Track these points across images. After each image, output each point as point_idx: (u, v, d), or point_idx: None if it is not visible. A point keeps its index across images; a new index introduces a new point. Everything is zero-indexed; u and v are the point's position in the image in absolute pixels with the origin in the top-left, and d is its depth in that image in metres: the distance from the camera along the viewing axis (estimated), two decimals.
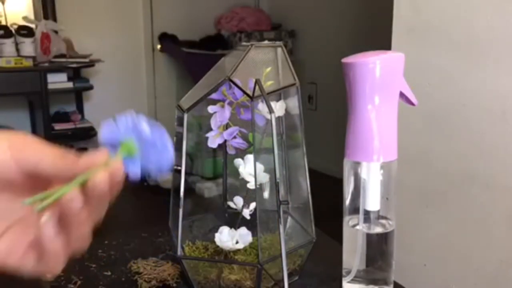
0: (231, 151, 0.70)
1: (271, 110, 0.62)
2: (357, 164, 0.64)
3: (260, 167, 0.66)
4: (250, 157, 0.66)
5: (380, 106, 0.61)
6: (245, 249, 0.70)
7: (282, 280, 0.62)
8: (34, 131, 3.43)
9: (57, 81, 3.14)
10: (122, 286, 0.73)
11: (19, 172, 0.35)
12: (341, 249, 0.68)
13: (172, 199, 0.70)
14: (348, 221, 0.67)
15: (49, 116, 3.13)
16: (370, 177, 0.63)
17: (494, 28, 1.10)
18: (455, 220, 1.25)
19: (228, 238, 0.68)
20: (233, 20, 3.92)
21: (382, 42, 1.34)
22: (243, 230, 0.68)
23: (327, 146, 3.22)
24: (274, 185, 0.63)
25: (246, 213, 0.68)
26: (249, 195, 0.68)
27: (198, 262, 0.70)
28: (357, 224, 0.65)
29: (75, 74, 3.30)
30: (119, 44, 3.67)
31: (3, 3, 3.17)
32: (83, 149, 3.46)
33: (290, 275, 0.71)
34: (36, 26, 3.07)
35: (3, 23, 3.14)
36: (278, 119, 0.72)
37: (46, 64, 3.05)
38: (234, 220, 0.70)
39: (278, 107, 0.69)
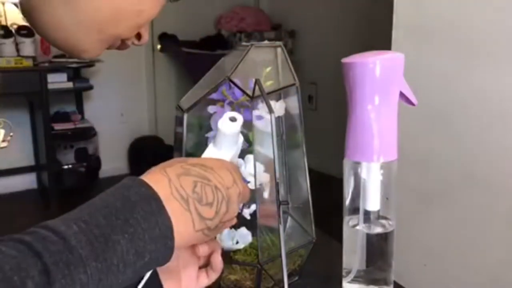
0: None
1: (270, 110, 0.62)
2: (357, 164, 0.64)
3: (260, 167, 0.66)
4: (250, 157, 0.66)
5: (380, 106, 0.61)
6: (245, 249, 0.70)
7: (282, 280, 0.62)
8: (34, 131, 3.43)
9: (57, 81, 3.14)
10: None
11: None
12: (341, 249, 0.68)
13: None
14: (348, 221, 0.67)
15: (49, 116, 3.13)
16: (370, 177, 0.63)
17: (494, 28, 1.10)
18: (455, 220, 1.25)
19: (228, 238, 0.68)
20: (233, 20, 3.92)
21: (382, 42, 1.34)
22: (243, 230, 0.68)
23: (327, 146, 3.22)
24: (274, 185, 0.63)
25: (246, 213, 0.68)
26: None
27: None
28: (357, 224, 0.65)
29: (75, 74, 3.30)
30: None
31: (3, 3, 3.17)
32: (83, 149, 3.47)
33: (290, 275, 0.71)
34: None
35: (3, 23, 3.14)
36: (278, 119, 0.72)
37: (46, 64, 3.05)
38: None
39: (278, 107, 0.69)
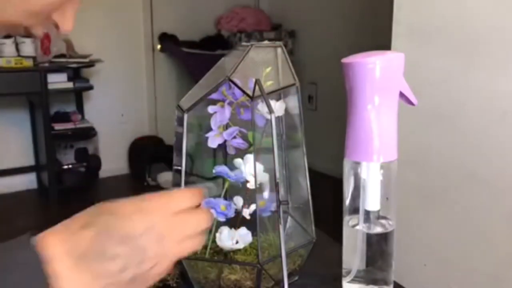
0: (231, 151, 0.69)
1: (271, 110, 0.62)
2: (357, 164, 0.64)
3: (260, 167, 0.66)
4: (250, 157, 0.66)
5: (380, 106, 0.61)
6: (245, 249, 0.70)
7: (282, 280, 0.62)
8: (34, 131, 3.43)
9: (57, 81, 3.14)
10: None
11: None
12: (341, 249, 0.68)
13: None
14: (348, 221, 0.67)
15: (49, 116, 3.12)
16: (370, 177, 0.63)
17: (494, 28, 1.10)
18: (455, 220, 1.25)
19: (228, 238, 0.68)
20: (233, 20, 3.92)
21: (382, 42, 1.34)
22: (243, 230, 0.68)
23: (327, 146, 3.22)
24: (274, 185, 0.63)
25: (246, 213, 0.68)
26: (249, 195, 0.68)
27: (198, 262, 0.70)
28: (357, 224, 0.65)
29: (75, 74, 3.30)
30: (119, 44, 3.67)
31: None
32: (83, 149, 3.47)
33: (290, 275, 0.71)
34: None
35: None
36: (278, 119, 0.72)
37: (46, 64, 3.05)
38: (234, 220, 0.70)
39: (278, 107, 0.69)
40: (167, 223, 0.44)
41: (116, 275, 0.41)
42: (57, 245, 0.40)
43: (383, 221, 0.66)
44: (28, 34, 0.53)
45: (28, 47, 3.01)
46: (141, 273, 0.43)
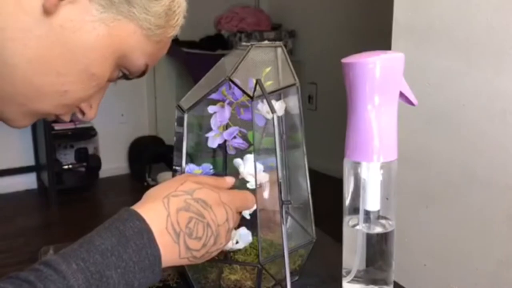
0: (231, 151, 0.70)
1: (273, 111, 0.62)
2: (357, 164, 0.64)
3: (260, 167, 0.66)
4: (249, 157, 0.66)
5: (380, 106, 0.61)
6: (245, 249, 0.70)
7: (285, 280, 0.62)
8: (34, 131, 3.43)
9: None
10: None
11: None
12: (341, 249, 0.68)
13: None
14: (348, 221, 0.67)
15: None
16: (370, 177, 0.63)
17: (494, 28, 1.10)
18: (455, 220, 1.25)
19: None
20: (233, 20, 3.92)
21: (382, 42, 1.34)
22: (243, 230, 0.68)
23: (327, 146, 3.22)
24: (275, 185, 0.63)
25: (246, 213, 0.68)
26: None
27: None
28: (357, 224, 0.65)
29: None
30: None
31: None
32: (83, 149, 3.47)
33: (290, 275, 0.71)
34: None
35: None
36: (278, 119, 0.72)
37: None
38: None
39: (278, 107, 0.69)
40: (235, 219, 0.59)
41: (196, 250, 0.53)
42: (160, 222, 0.51)
43: (383, 221, 0.66)
44: (56, 120, 0.58)
45: None
46: (209, 252, 0.55)
